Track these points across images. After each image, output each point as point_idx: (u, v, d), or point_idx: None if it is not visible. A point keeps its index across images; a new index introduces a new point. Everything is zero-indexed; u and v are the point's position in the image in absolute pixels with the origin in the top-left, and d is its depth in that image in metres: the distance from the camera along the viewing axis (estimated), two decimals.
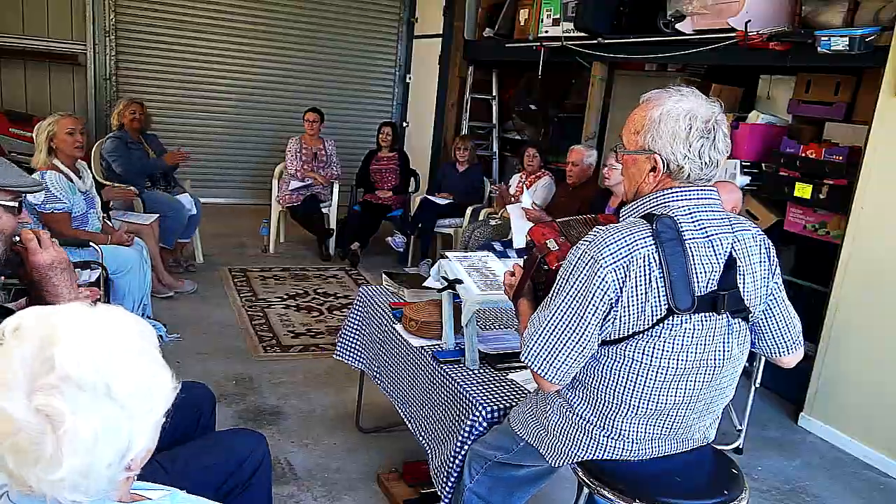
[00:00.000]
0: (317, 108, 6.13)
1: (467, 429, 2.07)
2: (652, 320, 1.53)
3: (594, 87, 5.12)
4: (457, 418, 2.15)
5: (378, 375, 2.75)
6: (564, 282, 1.57)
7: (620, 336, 1.56)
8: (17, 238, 1.53)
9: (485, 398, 2.11)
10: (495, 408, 2.07)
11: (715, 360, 1.62)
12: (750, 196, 3.95)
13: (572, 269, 1.56)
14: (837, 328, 3.44)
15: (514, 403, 2.07)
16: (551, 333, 1.57)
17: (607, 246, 1.51)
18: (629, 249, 1.50)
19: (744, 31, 3.64)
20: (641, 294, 1.51)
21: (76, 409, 0.84)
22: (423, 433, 2.37)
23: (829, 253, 3.56)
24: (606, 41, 4.68)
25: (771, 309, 1.70)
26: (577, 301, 1.53)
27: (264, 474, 1.83)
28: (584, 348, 1.56)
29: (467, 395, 2.13)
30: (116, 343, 0.90)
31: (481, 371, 2.29)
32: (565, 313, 1.55)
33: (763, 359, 3.11)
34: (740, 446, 3.23)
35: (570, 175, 4.73)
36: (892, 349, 3.22)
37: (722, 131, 1.55)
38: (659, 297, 1.51)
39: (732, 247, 1.58)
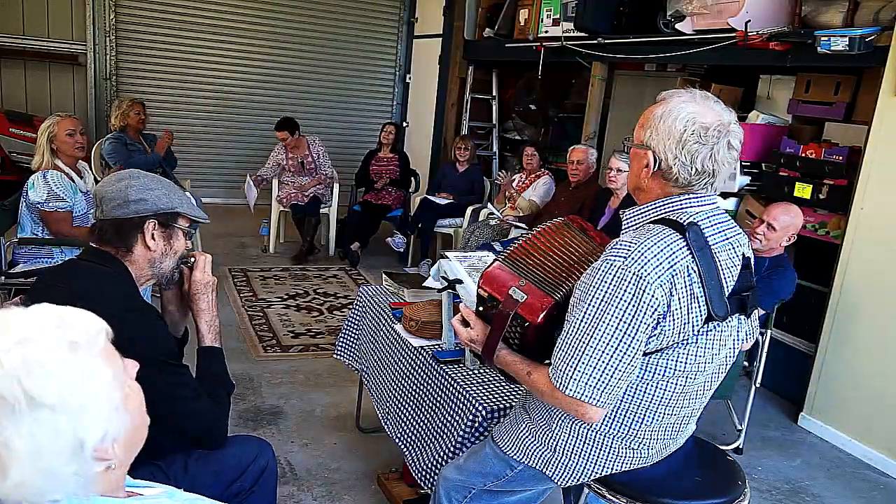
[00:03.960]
0: (289, 119, 5.92)
1: (468, 427, 2.07)
2: (694, 330, 1.51)
3: (594, 87, 5.11)
4: (456, 418, 2.15)
5: (367, 375, 2.75)
6: (605, 303, 1.45)
7: (659, 347, 1.52)
8: (185, 259, 1.80)
9: (485, 398, 2.11)
10: (495, 407, 2.07)
11: (727, 358, 1.64)
12: (750, 196, 3.95)
13: (613, 288, 1.45)
14: (837, 328, 3.44)
15: (513, 403, 2.07)
16: (599, 359, 1.46)
17: (648, 260, 1.44)
18: (670, 262, 1.45)
19: (744, 31, 3.64)
20: (685, 306, 1.48)
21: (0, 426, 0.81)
22: (404, 434, 2.37)
23: (829, 253, 3.56)
24: (606, 41, 4.68)
25: None
26: (627, 321, 1.44)
27: (268, 482, 1.81)
28: (634, 368, 1.50)
29: (467, 395, 2.13)
30: (31, 348, 0.85)
31: (481, 371, 2.29)
32: (613, 335, 1.45)
33: (763, 359, 3.11)
34: (740, 446, 3.23)
35: (576, 174, 4.72)
36: (892, 349, 3.22)
37: (727, 143, 1.49)
38: (700, 306, 1.49)
39: (745, 247, 1.60)
